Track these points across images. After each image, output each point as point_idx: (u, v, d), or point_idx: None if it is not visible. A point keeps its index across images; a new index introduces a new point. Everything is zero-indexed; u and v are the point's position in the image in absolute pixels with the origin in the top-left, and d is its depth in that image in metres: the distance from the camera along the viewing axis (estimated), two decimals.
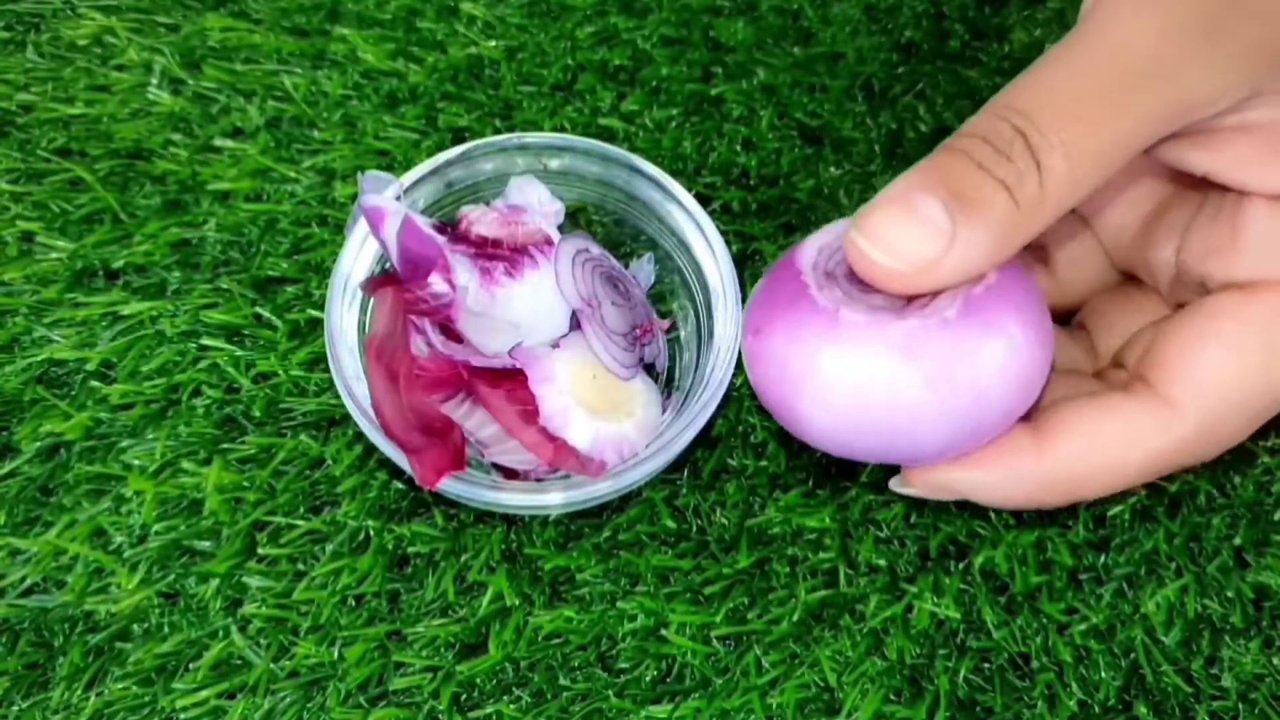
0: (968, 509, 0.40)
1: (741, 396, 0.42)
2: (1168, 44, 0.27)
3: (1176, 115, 0.27)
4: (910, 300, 0.29)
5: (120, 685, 0.37)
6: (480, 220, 0.39)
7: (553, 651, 0.38)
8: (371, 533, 0.39)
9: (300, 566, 0.39)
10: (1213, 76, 0.27)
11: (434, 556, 0.39)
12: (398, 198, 0.38)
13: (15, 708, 0.37)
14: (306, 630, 0.38)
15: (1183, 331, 0.31)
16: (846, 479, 0.41)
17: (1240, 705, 0.37)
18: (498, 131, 0.48)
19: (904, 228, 0.27)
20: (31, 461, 0.41)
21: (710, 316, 0.39)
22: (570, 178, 0.41)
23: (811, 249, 0.31)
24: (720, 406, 0.38)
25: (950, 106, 0.50)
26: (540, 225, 0.40)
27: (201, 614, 0.38)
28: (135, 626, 0.38)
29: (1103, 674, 0.38)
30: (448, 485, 0.34)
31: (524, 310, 0.38)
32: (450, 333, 0.38)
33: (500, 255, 0.38)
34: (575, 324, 0.39)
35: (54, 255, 0.45)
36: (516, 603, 0.38)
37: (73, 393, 0.42)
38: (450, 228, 0.39)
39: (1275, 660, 0.38)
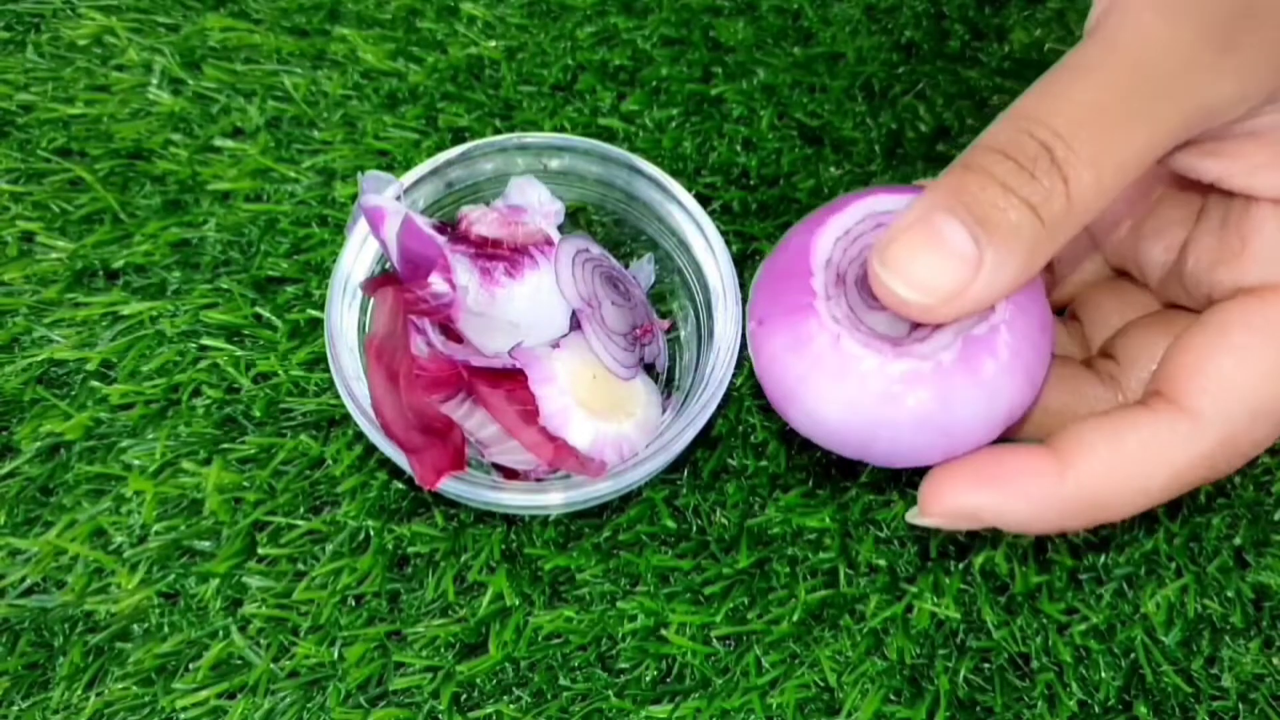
0: None
1: (741, 396, 0.42)
2: (1185, 52, 0.27)
3: (1196, 123, 0.27)
4: (915, 325, 0.29)
5: (120, 685, 0.37)
6: (480, 220, 0.39)
7: (553, 651, 0.38)
8: (371, 533, 0.39)
9: (300, 566, 0.39)
10: (1230, 84, 0.27)
11: (434, 556, 0.39)
12: (398, 198, 0.38)
13: (15, 708, 0.37)
14: (306, 630, 0.38)
15: (1197, 341, 0.31)
16: (846, 479, 0.41)
17: (1240, 705, 0.37)
18: (498, 131, 0.48)
19: (929, 258, 0.26)
20: (31, 461, 0.41)
21: (710, 316, 0.39)
22: (570, 178, 0.41)
23: (829, 238, 0.30)
24: (720, 406, 0.38)
25: (950, 106, 0.50)
26: (540, 225, 0.39)
27: (201, 614, 0.38)
28: (135, 626, 0.38)
29: (1103, 674, 0.38)
30: (448, 485, 0.34)
31: (524, 310, 0.38)
32: (450, 333, 0.38)
33: (500, 255, 0.38)
34: (575, 324, 0.38)
35: (54, 255, 0.45)
36: (516, 603, 0.38)
37: (73, 393, 0.42)
38: (450, 228, 0.39)
39: (1275, 660, 0.38)
